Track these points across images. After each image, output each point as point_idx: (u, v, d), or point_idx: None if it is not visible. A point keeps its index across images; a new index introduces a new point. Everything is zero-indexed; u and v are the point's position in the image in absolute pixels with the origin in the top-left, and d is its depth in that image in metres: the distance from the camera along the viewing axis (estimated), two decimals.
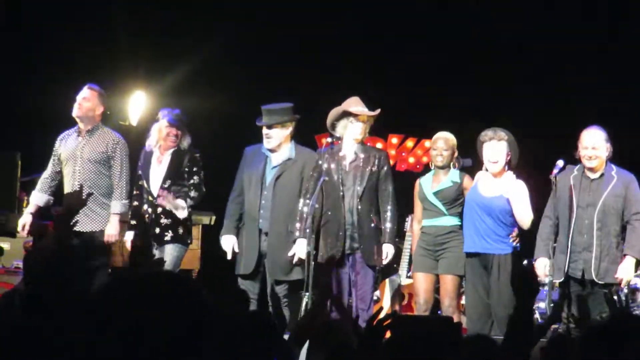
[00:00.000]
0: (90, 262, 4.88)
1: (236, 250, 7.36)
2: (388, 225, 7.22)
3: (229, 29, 10.47)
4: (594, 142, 6.98)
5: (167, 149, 7.56)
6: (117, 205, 7.47)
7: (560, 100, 10.13)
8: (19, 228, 7.55)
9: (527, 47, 10.38)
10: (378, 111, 7.35)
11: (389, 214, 7.23)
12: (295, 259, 7.18)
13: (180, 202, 7.43)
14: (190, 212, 7.58)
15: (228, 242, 7.41)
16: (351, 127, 7.28)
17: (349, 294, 7.24)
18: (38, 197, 7.60)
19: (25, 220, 7.52)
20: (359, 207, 7.22)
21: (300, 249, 7.14)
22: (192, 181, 7.52)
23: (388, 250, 7.20)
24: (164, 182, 7.51)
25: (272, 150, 7.41)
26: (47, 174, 7.63)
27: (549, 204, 7.13)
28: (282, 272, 7.31)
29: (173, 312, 1.86)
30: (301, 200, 7.25)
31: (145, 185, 7.56)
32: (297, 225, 7.18)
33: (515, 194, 7.05)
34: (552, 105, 10.13)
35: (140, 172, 7.59)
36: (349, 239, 7.22)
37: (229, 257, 7.40)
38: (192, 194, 7.52)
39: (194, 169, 7.54)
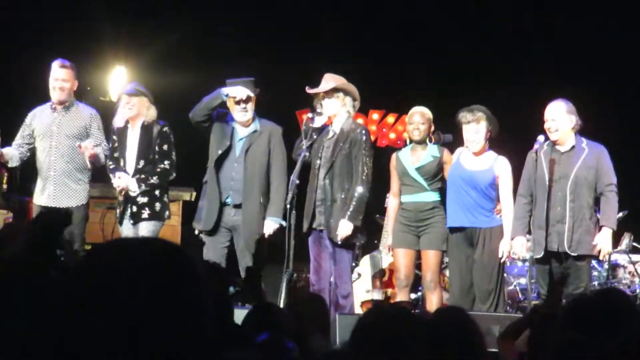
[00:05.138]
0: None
1: None
2: (352, 203, 7.05)
3: (209, 3, 10.41)
4: (552, 115, 6.99)
5: (134, 122, 7.47)
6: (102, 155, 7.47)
7: (542, 74, 10.13)
8: None
9: (506, 23, 10.37)
10: (322, 88, 7.23)
11: (356, 193, 7.07)
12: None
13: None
14: (167, 188, 7.56)
15: None
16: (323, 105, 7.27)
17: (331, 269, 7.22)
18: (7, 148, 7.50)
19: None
20: (327, 183, 7.15)
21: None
22: (162, 165, 7.41)
23: (344, 227, 7.01)
24: (137, 163, 7.43)
25: (243, 124, 7.36)
26: (16, 142, 7.54)
27: (522, 181, 7.14)
28: (257, 245, 7.28)
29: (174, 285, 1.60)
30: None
31: (122, 164, 7.48)
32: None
33: (502, 175, 7.08)
34: (532, 80, 10.13)
35: (116, 153, 7.50)
36: (319, 214, 7.17)
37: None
38: (154, 179, 7.37)
39: (164, 148, 7.43)
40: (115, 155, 7.51)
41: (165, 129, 7.47)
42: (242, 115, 7.32)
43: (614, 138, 7.72)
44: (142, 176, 7.39)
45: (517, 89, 9.95)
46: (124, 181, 7.37)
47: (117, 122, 7.52)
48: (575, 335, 3.05)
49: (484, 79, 10.06)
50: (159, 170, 7.42)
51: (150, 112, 7.46)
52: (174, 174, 7.51)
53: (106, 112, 8.02)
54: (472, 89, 9.21)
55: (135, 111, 7.44)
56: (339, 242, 7.04)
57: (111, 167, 7.50)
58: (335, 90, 7.22)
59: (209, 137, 7.40)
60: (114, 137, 7.53)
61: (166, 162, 7.43)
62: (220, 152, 7.30)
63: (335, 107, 7.25)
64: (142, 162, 7.43)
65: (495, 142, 7.28)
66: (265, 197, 7.29)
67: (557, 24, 10.35)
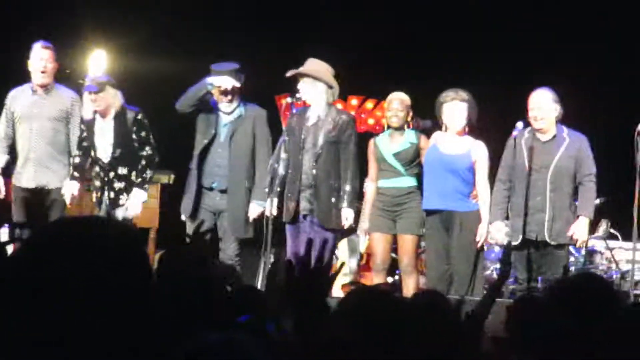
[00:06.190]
0: None
1: None
2: (347, 189, 7.16)
3: None
4: (539, 103, 7.01)
5: (106, 114, 7.41)
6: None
7: (520, 61, 10.15)
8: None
9: (486, 8, 10.38)
10: (290, 73, 7.25)
11: (349, 179, 7.17)
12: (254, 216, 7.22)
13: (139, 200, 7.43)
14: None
15: None
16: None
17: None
18: (1, 159, 7.55)
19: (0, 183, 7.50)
20: (315, 168, 7.20)
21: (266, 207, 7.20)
22: (144, 153, 7.40)
23: (347, 215, 7.16)
24: (114, 151, 7.40)
25: (227, 112, 7.37)
26: (2, 133, 7.55)
27: (502, 167, 7.18)
28: (242, 229, 7.31)
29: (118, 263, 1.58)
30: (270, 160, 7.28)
31: (93, 154, 7.43)
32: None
33: (479, 160, 7.12)
34: (511, 66, 10.16)
35: (85, 142, 7.44)
36: (304, 200, 7.21)
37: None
38: (148, 172, 7.42)
39: (142, 134, 7.40)
40: (85, 144, 7.45)
41: (139, 116, 7.43)
42: (227, 106, 7.34)
43: (596, 126, 7.77)
44: (133, 156, 7.38)
45: (500, 72, 9.97)
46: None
47: (85, 114, 7.47)
48: (566, 324, 3.09)
49: (463, 63, 10.06)
50: (144, 161, 7.40)
51: (117, 101, 7.40)
52: (158, 158, 7.50)
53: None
54: (451, 73, 9.22)
55: (103, 105, 7.38)
56: (343, 229, 7.18)
57: (77, 158, 7.45)
58: (306, 75, 7.22)
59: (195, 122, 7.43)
60: (82, 127, 7.48)
61: (147, 149, 7.42)
62: (206, 141, 7.34)
63: (309, 92, 7.23)
64: (118, 151, 7.40)
65: (475, 129, 7.30)
66: (251, 181, 7.32)
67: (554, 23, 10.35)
